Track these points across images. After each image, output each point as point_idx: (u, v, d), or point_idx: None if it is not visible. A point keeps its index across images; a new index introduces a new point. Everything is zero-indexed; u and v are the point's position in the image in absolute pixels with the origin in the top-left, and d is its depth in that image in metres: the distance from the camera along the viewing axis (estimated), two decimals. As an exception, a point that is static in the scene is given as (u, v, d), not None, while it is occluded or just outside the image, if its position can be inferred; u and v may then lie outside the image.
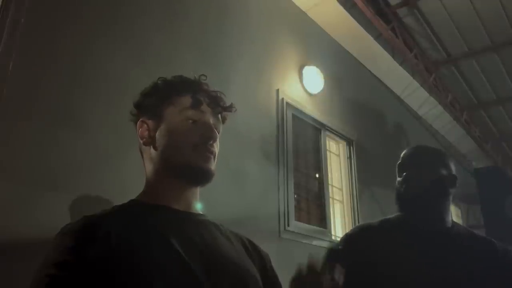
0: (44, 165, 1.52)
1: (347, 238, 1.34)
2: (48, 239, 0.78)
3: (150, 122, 0.89)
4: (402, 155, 1.38)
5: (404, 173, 1.30)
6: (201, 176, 0.87)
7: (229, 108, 0.95)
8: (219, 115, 0.93)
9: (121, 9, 1.98)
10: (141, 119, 0.90)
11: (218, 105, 0.92)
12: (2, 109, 1.43)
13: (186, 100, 0.88)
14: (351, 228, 3.24)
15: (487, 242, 1.28)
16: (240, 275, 0.81)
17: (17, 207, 1.41)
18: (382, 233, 1.29)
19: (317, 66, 3.28)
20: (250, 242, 0.95)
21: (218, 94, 0.93)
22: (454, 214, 5.44)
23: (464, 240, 1.25)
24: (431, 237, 1.21)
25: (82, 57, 1.74)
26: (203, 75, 0.94)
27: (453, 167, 1.32)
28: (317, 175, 3.24)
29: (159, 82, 0.93)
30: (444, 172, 1.28)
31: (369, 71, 4.27)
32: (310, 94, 3.22)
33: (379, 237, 1.27)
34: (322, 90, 3.28)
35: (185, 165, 0.85)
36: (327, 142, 3.41)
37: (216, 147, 0.90)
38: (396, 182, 1.34)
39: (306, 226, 2.85)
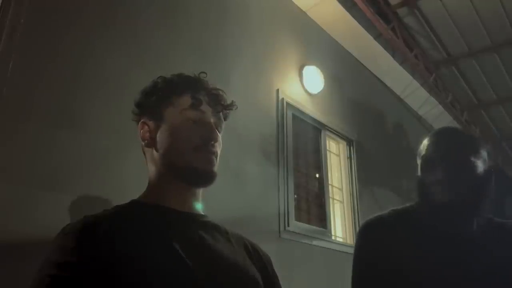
0: (44, 165, 1.52)
1: (368, 232, 1.17)
2: (48, 239, 0.78)
3: (151, 123, 0.88)
4: (428, 143, 1.12)
5: (435, 171, 1.06)
6: (203, 178, 0.86)
7: (230, 106, 0.93)
8: (220, 114, 0.92)
9: (121, 9, 1.98)
10: (142, 120, 0.90)
11: (219, 104, 0.91)
12: (2, 109, 1.43)
13: (186, 100, 0.87)
14: (351, 228, 3.28)
15: None
16: (240, 276, 0.81)
17: (17, 207, 1.40)
18: (402, 235, 1.10)
19: (317, 66, 3.28)
20: (252, 244, 0.94)
21: (219, 92, 0.92)
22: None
23: (486, 243, 1.08)
24: (453, 242, 1.06)
25: (82, 57, 1.74)
26: (203, 72, 0.93)
27: (488, 160, 1.10)
28: (317, 175, 3.24)
29: (158, 81, 0.92)
30: (482, 168, 1.06)
31: (369, 71, 4.27)
32: (310, 94, 3.21)
33: (399, 239, 1.10)
34: (322, 90, 3.28)
35: (187, 167, 0.84)
36: (327, 142, 3.40)
37: (218, 147, 0.88)
38: (420, 178, 1.11)
39: (306, 226, 2.85)
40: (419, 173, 1.13)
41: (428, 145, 1.12)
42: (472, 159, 1.06)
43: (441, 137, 1.13)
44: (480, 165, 1.07)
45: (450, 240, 1.07)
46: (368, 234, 1.17)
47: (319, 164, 3.25)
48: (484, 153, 1.10)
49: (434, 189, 1.06)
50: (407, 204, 1.18)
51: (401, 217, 1.15)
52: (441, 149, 1.09)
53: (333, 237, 3.12)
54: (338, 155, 3.58)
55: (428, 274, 1.04)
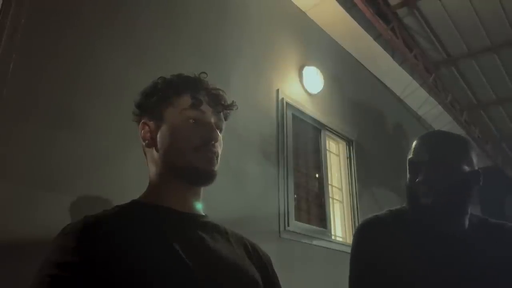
0: (44, 165, 1.52)
1: (364, 235, 1.18)
2: (48, 240, 0.78)
3: (151, 124, 0.89)
4: (414, 147, 1.14)
5: (420, 173, 1.09)
6: (204, 178, 0.86)
7: (230, 106, 0.93)
8: (221, 113, 0.92)
9: (121, 9, 1.98)
10: (142, 121, 0.90)
11: (219, 104, 0.91)
12: (2, 109, 1.43)
13: (186, 100, 0.87)
14: (351, 228, 3.28)
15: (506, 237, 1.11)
16: (239, 276, 0.81)
17: (17, 207, 1.41)
18: (398, 235, 1.12)
19: (317, 66, 3.28)
20: (252, 244, 0.94)
21: (219, 92, 0.92)
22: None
23: (481, 243, 1.09)
24: (447, 241, 1.08)
25: (82, 57, 1.74)
26: (203, 72, 0.93)
27: (475, 160, 1.12)
28: (317, 175, 3.24)
29: (158, 81, 0.92)
30: (467, 168, 1.08)
31: (369, 71, 4.27)
32: (310, 94, 3.22)
33: (396, 239, 1.11)
34: (322, 90, 3.28)
35: (187, 167, 0.84)
36: (327, 142, 3.41)
37: (219, 147, 0.88)
38: (407, 181, 1.13)
39: (306, 226, 2.85)
40: (407, 176, 1.15)
41: (414, 149, 1.15)
42: (456, 161, 1.08)
43: (426, 140, 1.15)
44: (465, 167, 1.08)
45: (443, 240, 1.08)
46: (365, 234, 1.18)
47: (319, 164, 3.26)
48: (471, 155, 1.11)
49: (418, 191, 1.09)
50: (403, 205, 1.19)
51: (397, 218, 1.17)
52: (424, 152, 1.11)
53: (333, 237, 3.13)
54: (338, 155, 3.59)
55: (422, 273, 1.05)
